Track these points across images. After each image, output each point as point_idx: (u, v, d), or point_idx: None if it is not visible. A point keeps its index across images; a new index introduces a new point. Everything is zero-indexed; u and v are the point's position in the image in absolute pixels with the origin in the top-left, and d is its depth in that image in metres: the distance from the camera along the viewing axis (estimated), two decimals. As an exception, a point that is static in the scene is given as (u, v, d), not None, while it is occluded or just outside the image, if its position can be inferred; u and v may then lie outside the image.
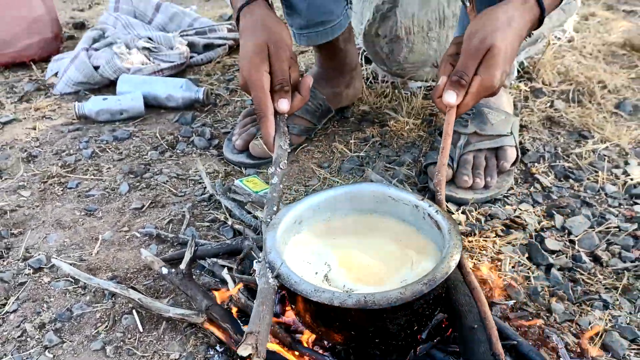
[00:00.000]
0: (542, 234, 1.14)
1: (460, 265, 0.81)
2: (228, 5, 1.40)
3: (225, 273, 0.99)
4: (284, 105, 0.99)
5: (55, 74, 1.88)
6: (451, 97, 0.92)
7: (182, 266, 0.94)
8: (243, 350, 0.67)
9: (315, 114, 1.48)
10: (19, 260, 1.08)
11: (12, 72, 2.00)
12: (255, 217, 1.15)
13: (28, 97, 1.81)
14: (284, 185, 1.31)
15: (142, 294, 0.95)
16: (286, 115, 1.01)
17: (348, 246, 0.89)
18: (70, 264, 1.03)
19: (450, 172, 1.24)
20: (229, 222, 1.16)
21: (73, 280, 1.02)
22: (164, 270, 0.94)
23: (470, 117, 1.31)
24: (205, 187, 1.27)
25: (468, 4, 1.11)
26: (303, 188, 1.31)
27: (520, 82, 1.72)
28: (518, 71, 1.73)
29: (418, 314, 0.78)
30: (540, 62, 1.76)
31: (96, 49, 1.87)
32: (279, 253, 0.80)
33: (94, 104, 1.61)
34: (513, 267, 1.06)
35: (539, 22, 0.95)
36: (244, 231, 1.10)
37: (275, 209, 0.91)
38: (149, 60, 1.89)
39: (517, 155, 1.30)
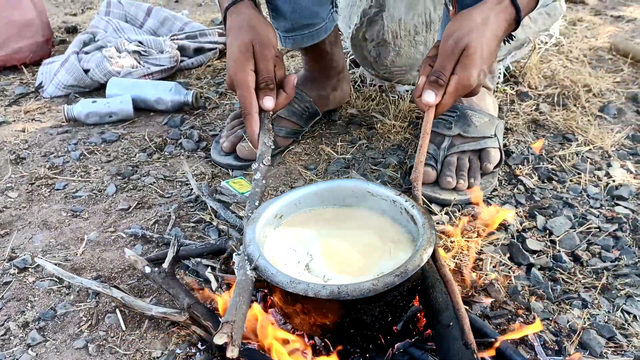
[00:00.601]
0: (524, 234, 1.15)
1: (434, 259, 0.83)
2: (218, 9, 1.42)
3: (208, 272, 1.00)
4: (268, 102, 1.03)
5: (40, 84, 1.88)
6: (430, 97, 0.94)
7: (165, 265, 0.95)
8: (218, 339, 0.69)
9: (302, 116, 1.49)
10: (4, 260, 1.09)
11: (2, 76, 2.01)
12: (240, 217, 1.16)
13: (18, 100, 1.82)
14: (270, 185, 1.32)
15: (125, 292, 0.95)
16: (271, 112, 1.04)
17: (329, 236, 0.91)
18: (55, 264, 1.04)
19: (434, 173, 1.26)
20: (214, 223, 1.17)
21: (57, 280, 1.03)
22: (147, 269, 0.95)
23: (454, 119, 1.32)
24: (192, 189, 1.28)
25: (451, 7, 1.13)
26: (289, 189, 1.32)
27: (506, 85, 1.74)
28: (504, 75, 1.75)
29: (392, 306, 0.80)
30: (526, 66, 1.78)
31: (86, 53, 1.88)
32: (258, 246, 0.82)
33: (83, 107, 1.62)
34: (494, 266, 1.07)
35: (516, 22, 0.97)
36: (228, 231, 1.11)
37: (257, 203, 0.93)
38: (139, 63, 1.90)
39: (501, 157, 1.31)
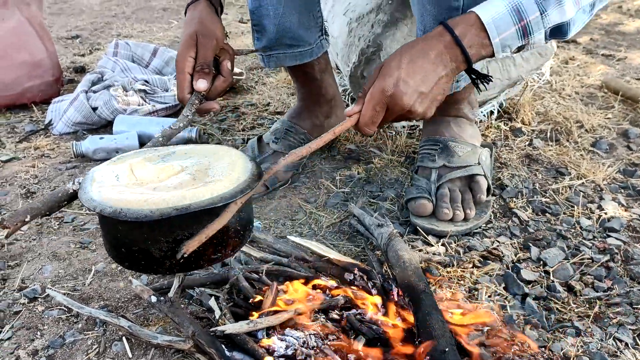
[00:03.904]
0: (519, 265, 1.19)
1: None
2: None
3: (212, 301, 1.03)
4: (200, 84, 1.16)
5: (50, 122, 1.94)
6: (350, 107, 1.04)
7: (171, 294, 0.99)
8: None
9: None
10: (14, 290, 1.12)
11: (13, 114, 2.07)
12: (242, 251, 1.20)
13: (28, 136, 1.88)
14: (270, 217, 1.37)
15: (132, 321, 0.99)
16: (203, 93, 1.16)
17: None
18: (64, 294, 1.08)
19: (430, 205, 1.30)
20: (218, 255, 1.21)
21: (66, 309, 1.06)
22: (153, 299, 0.99)
23: (437, 152, 1.38)
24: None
25: None
26: (290, 222, 1.36)
27: (500, 121, 1.79)
28: (498, 111, 1.81)
29: (172, 237, 0.83)
30: (519, 103, 1.84)
31: (95, 91, 1.95)
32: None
33: (91, 143, 1.68)
34: (489, 296, 1.10)
35: (458, 45, 1.01)
36: (230, 262, 1.15)
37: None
38: (145, 101, 1.96)
39: (489, 184, 1.35)
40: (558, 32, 1.03)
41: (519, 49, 1.06)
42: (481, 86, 1.11)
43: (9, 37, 2.02)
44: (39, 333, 1.02)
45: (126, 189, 0.86)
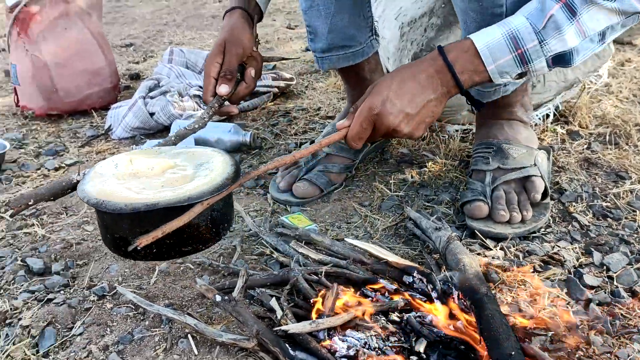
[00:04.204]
0: (581, 270, 1.16)
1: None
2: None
3: (273, 302, 1.05)
4: (222, 89, 1.26)
5: (109, 127, 2.01)
6: (341, 121, 1.10)
7: (235, 294, 1.01)
8: None
9: (351, 150, 1.55)
10: (84, 288, 1.17)
11: (74, 119, 2.16)
12: (300, 253, 1.21)
13: (90, 141, 1.95)
14: (326, 220, 1.38)
15: (197, 319, 1.01)
16: (224, 97, 1.27)
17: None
18: (131, 292, 1.11)
19: (486, 207, 1.29)
20: (275, 256, 1.23)
21: (133, 307, 1.10)
22: (218, 298, 1.01)
23: (490, 154, 1.36)
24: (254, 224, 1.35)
25: None
26: (345, 225, 1.37)
27: (556, 125, 1.76)
28: (554, 114, 1.78)
29: (144, 229, 0.92)
30: (576, 106, 1.81)
31: (152, 97, 2.01)
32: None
33: (150, 147, 1.73)
34: (552, 301, 1.09)
35: (450, 70, 1.04)
36: (290, 264, 1.17)
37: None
38: (200, 107, 2.01)
39: (546, 186, 1.33)
40: (561, 60, 1.03)
41: (521, 75, 1.06)
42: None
43: (72, 47, 2.10)
44: (108, 329, 1.06)
45: (120, 181, 1.00)
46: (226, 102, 1.31)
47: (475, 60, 1.03)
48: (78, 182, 1.08)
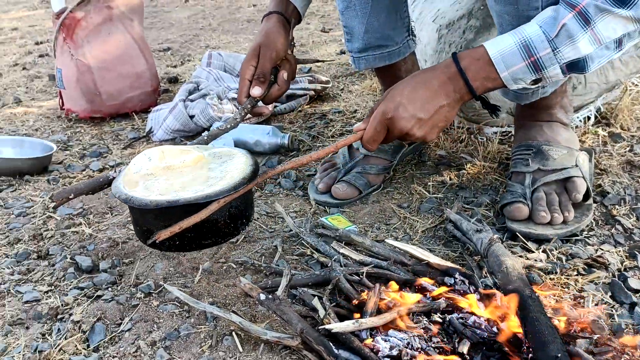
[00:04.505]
0: (625, 273, 1.15)
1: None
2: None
3: (315, 301, 1.07)
4: (255, 91, 1.33)
5: (150, 130, 2.06)
6: (358, 124, 1.16)
7: (279, 292, 1.03)
8: None
9: (388, 151, 1.56)
10: (130, 285, 1.21)
11: (116, 122, 2.22)
12: (341, 254, 1.22)
13: (132, 143, 2.00)
14: (365, 222, 1.39)
15: (242, 317, 1.04)
16: (256, 99, 1.34)
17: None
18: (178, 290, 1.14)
19: (526, 209, 1.28)
20: (315, 256, 1.25)
21: (179, 304, 1.13)
22: (262, 296, 1.03)
23: (530, 156, 1.35)
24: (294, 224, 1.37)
25: None
26: (384, 226, 1.38)
27: (598, 127, 1.74)
28: (595, 116, 1.76)
29: (167, 223, 1.04)
30: (617, 108, 1.78)
31: (192, 100, 2.05)
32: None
33: (191, 149, 1.77)
34: (596, 304, 1.08)
35: (462, 77, 1.07)
36: (331, 264, 1.18)
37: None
38: (237, 109, 2.04)
39: (588, 187, 1.31)
40: (575, 67, 1.04)
41: (536, 81, 1.08)
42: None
43: (115, 51, 2.16)
44: (155, 325, 1.09)
45: (152, 175, 1.11)
46: (259, 103, 1.38)
47: (488, 67, 1.06)
48: (114, 178, 1.19)
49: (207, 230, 1.09)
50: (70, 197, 1.26)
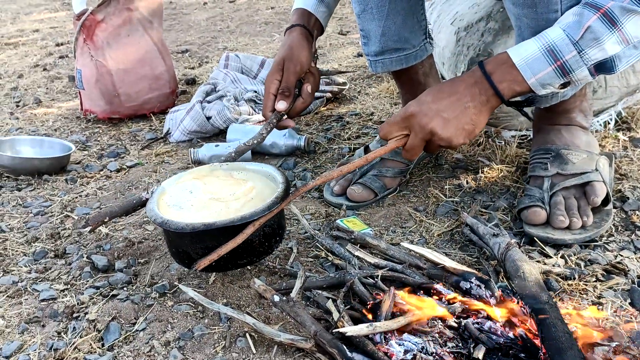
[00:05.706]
0: (645, 280, 1.13)
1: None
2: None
3: (329, 304, 1.06)
4: (280, 105, 1.33)
5: (168, 131, 2.07)
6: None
7: (293, 294, 1.03)
8: None
9: None
10: (145, 285, 1.21)
11: (134, 123, 2.24)
12: (356, 257, 1.22)
13: (149, 144, 2.02)
14: (381, 224, 1.38)
15: (256, 319, 1.03)
16: (281, 112, 1.35)
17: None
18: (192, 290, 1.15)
19: (544, 213, 1.26)
20: (330, 258, 1.24)
21: (193, 305, 1.13)
22: (276, 298, 1.03)
23: (549, 160, 1.33)
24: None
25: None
26: (400, 229, 1.37)
27: (618, 131, 1.71)
28: (616, 121, 1.73)
29: (204, 244, 1.08)
30: (639, 112, 1.75)
31: (209, 102, 2.06)
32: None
33: (207, 150, 1.78)
34: (615, 311, 1.06)
35: (487, 79, 1.06)
36: (346, 267, 1.18)
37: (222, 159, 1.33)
38: (255, 111, 2.05)
39: (608, 193, 1.29)
40: (603, 67, 1.03)
41: (564, 85, 1.07)
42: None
43: (134, 53, 2.18)
44: (169, 325, 1.09)
45: (202, 205, 1.14)
46: (284, 117, 1.36)
47: (514, 71, 1.05)
48: (147, 200, 1.22)
49: (242, 251, 1.10)
50: (105, 220, 1.27)
